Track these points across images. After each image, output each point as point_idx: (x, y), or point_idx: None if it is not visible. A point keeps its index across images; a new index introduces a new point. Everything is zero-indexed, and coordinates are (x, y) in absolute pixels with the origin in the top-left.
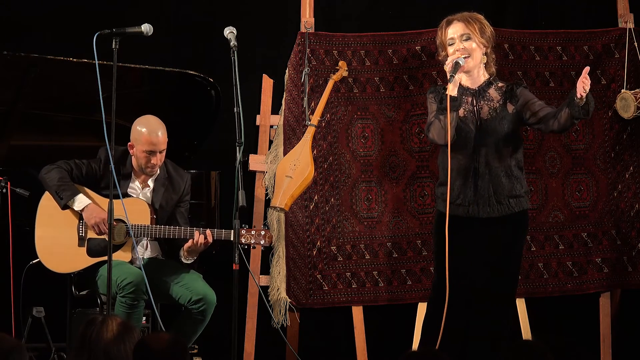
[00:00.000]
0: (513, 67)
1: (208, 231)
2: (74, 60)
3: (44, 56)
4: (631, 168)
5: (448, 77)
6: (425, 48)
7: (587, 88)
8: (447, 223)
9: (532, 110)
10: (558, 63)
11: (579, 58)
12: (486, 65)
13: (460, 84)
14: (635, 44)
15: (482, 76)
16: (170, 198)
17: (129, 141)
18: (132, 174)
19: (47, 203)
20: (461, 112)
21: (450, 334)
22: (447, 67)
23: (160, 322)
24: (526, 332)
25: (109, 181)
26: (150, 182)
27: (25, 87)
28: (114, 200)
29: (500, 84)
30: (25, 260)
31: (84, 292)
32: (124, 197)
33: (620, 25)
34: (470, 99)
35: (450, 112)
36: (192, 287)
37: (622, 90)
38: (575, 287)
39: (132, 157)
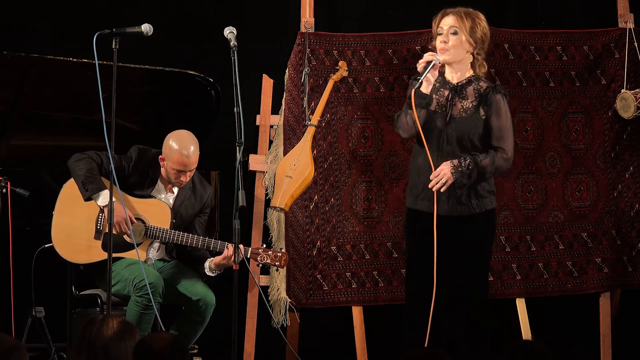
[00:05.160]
0: (513, 67)
1: (230, 245)
2: (74, 60)
3: (44, 56)
4: (631, 168)
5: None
6: (425, 48)
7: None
8: (435, 223)
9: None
10: (558, 63)
11: (579, 58)
12: (472, 65)
13: (444, 76)
14: (635, 44)
15: (466, 73)
16: (192, 208)
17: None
18: (159, 180)
19: (69, 191)
20: (433, 106)
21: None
22: (420, 66)
23: (160, 322)
24: (526, 332)
25: (136, 181)
26: (175, 189)
27: (25, 87)
28: (135, 199)
29: (481, 83)
30: (26, 260)
31: (84, 292)
32: (147, 198)
33: (620, 25)
34: (447, 93)
35: (416, 108)
36: (191, 288)
37: (622, 90)
38: (575, 287)
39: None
